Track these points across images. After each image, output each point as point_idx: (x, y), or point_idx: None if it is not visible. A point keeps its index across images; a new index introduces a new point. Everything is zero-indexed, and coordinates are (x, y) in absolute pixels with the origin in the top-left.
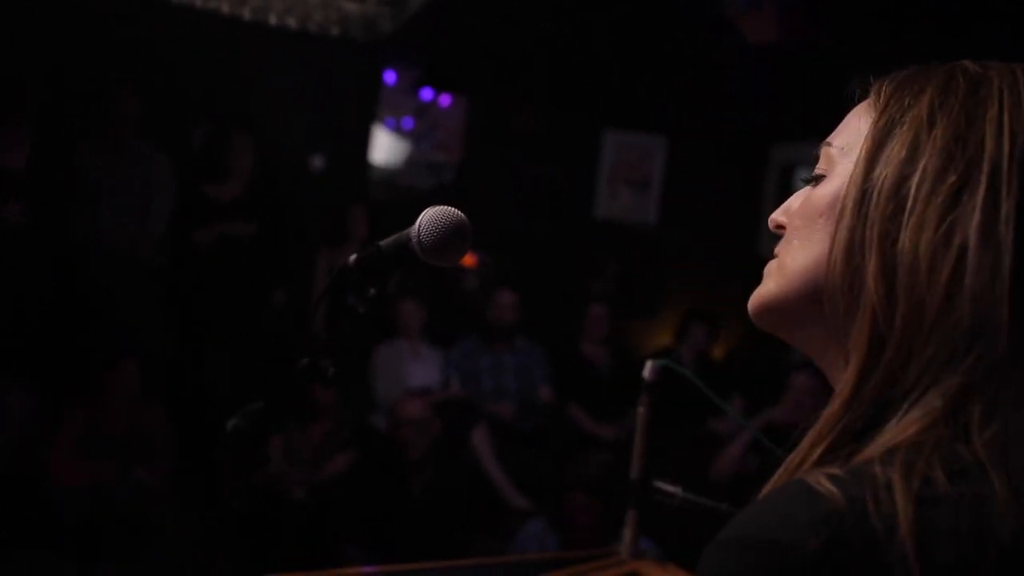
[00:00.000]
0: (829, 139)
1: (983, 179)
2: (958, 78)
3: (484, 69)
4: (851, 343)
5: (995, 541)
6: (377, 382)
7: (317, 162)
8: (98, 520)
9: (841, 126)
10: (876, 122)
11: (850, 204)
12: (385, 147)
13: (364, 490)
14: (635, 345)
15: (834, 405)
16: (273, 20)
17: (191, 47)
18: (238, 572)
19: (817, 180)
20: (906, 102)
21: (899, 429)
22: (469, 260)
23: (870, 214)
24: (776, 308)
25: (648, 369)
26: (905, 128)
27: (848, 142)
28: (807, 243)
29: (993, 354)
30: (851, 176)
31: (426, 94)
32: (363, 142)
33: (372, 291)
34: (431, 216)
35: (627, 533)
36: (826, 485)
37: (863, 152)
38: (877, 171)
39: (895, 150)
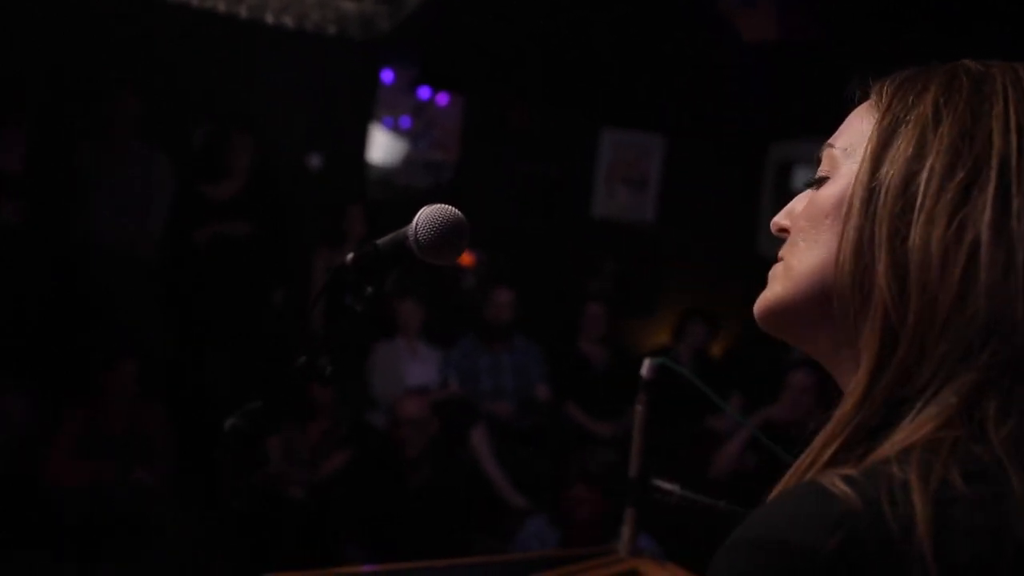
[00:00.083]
0: (831, 141)
1: (992, 175)
2: (961, 76)
3: (481, 68)
4: (862, 342)
5: (1013, 540)
6: (375, 381)
7: (314, 161)
8: (98, 520)
9: (842, 128)
10: (880, 122)
11: (857, 203)
12: (382, 146)
13: (362, 489)
14: (633, 344)
15: (846, 405)
16: (270, 19)
17: (188, 46)
18: (237, 572)
19: (820, 182)
20: (910, 101)
21: (914, 427)
22: (467, 259)
23: (878, 213)
24: (784, 311)
25: (646, 367)
26: (910, 126)
27: (851, 143)
28: (814, 244)
29: (1008, 350)
30: (857, 176)
31: (423, 93)
32: (360, 141)
33: (369, 290)
34: (428, 214)
35: (625, 531)
36: (840, 486)
37: (868, 151)
38: (883, 170)
39: (901, 148)
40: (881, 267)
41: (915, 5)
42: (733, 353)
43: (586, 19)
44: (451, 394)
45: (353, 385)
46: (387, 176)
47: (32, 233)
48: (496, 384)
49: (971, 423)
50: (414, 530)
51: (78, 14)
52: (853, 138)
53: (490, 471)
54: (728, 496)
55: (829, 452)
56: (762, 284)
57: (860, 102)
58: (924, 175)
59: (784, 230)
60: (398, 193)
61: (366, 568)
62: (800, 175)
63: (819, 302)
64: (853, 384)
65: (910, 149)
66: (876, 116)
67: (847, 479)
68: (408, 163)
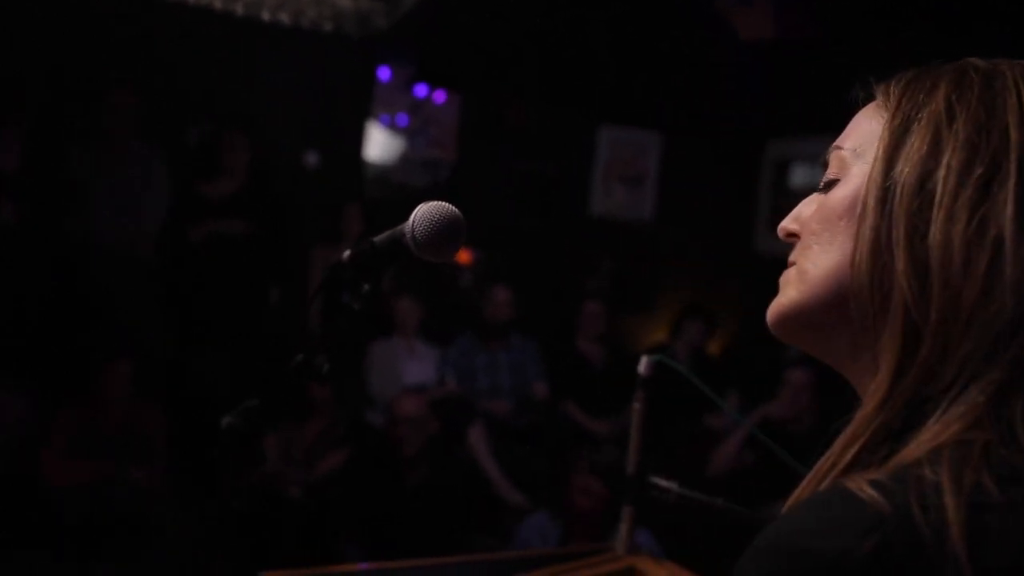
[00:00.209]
0: (838, 143)
1: (1012, 169)
2: (970, 73)
3: (478, 65)
4: (882, 343)
5: None
6: (373, 379)
7: (311, 159)
8: (95, 520)
9: (849, 129)
10: (891, 121)
11: (872, 203)
12: (379, 144)
13: (360, 488)
14: (630, 341)
15: (868, 406)
16: (266, 16)
17: (184, 44)
18: (235, 570)
19: (830, 185)
20: (920, 99)
21: (940, 428)
22: (464, 257)
23: (895, 211)
24: (800, 316)
25: (643, 365)
26: (923, 124)
27: (860, 144)
28: (828, 247)
29: None
30: (870, 176)
31: (420, 91)
32: (357, 139)
33: (366, 287)
34: (425, 211)
35: (623, 528)
36: (868, 491)
37: (880, 151)
38: (898, 168)
39: (915, 146)
40: (900, 265)
41: (912, 4)
42: (730, 351)
43: (583, 17)
44: (449, 392)
45: (350, 384)
46: (384, 174)
47: (29, 233)
48: (493, 382)
49: (999, 423)
50: (412, 529)
51: (74, 13)
52: (862, 139)
53: (488, 469)
54: (726, 494)
55: (850, 454)
56: (760, 282)
57: (864, 103)
58: (941, 172)
59: (792, 235)
60: (395, 191)
61: (362, 566)
62: (798, 173)
63: (836, 305)
64: (874, 385)
65: (924, 147)
66: (885, 116)
67: (874, 483)
68: (405, 161)
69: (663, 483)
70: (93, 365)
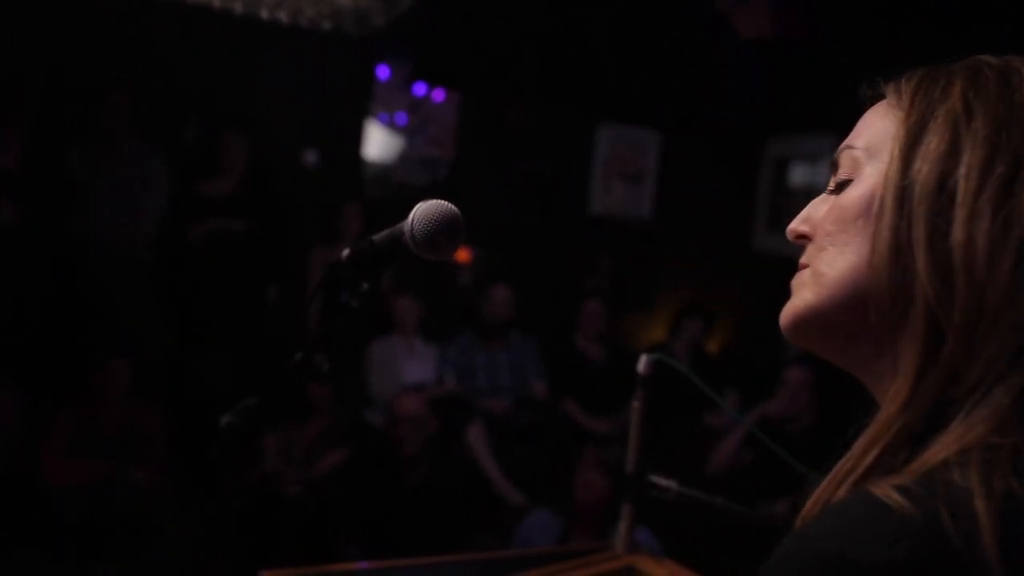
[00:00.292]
0: (849, 142)
1: None
2: (984, 70)
3: (477, 64)
4: (903, 345)
5: None
6: (372, 378)
7: (310, 158)
8: (95, 520)
9: (859, 129)
10: (906, 119)
11: (890, 203)
12: (378, 143)
13: (359, 487)
14: (629, 340)
15: (888, 409)
16: (264, 14)
17: (182, 43)
18: (234, 570)
19: (842, 185)
20: (935, 96)
21: (964, 429)
22: (463, 256)
23: (914, 211)
24: (816, 319)
25: (643, 363)
26: (940, 122)
27: (873, 143)
28: (844, 249)
29: None
30: (886, 175)
31: (419, 89)
32: (356, 138)
33: (365, 286)
34: (424, 210)
35: (622, 527)
36: (895, 497)
37: (897, 150)
38: (915, 167)
39: (933, 144)
40: (922, 266)
41: (910, 3)
42: (729, 349)
43: (582, 15)
44: (448, 391)
45: (350, 383)
46: (383, 173)
47: (28, 232)
48: (493, 381)
49: None
50: (411, 528)
51: (73, 13)
52: (874, 138)
53: (487, 468)
54: (725, 492)
55: (871, 457)
56: (759, 280)
57: (872, 102)
58: (962, 171)
59: (803, 236)
60: (394, 190)
61: (361, 565)
62: (797, 171)
63: (854, 307)
64: (895, 388)
65: (943, 145)
66: (898, 114)
67: (901, 488)
68: (404, 160)
69: (662, 482)
70: (92, 365)
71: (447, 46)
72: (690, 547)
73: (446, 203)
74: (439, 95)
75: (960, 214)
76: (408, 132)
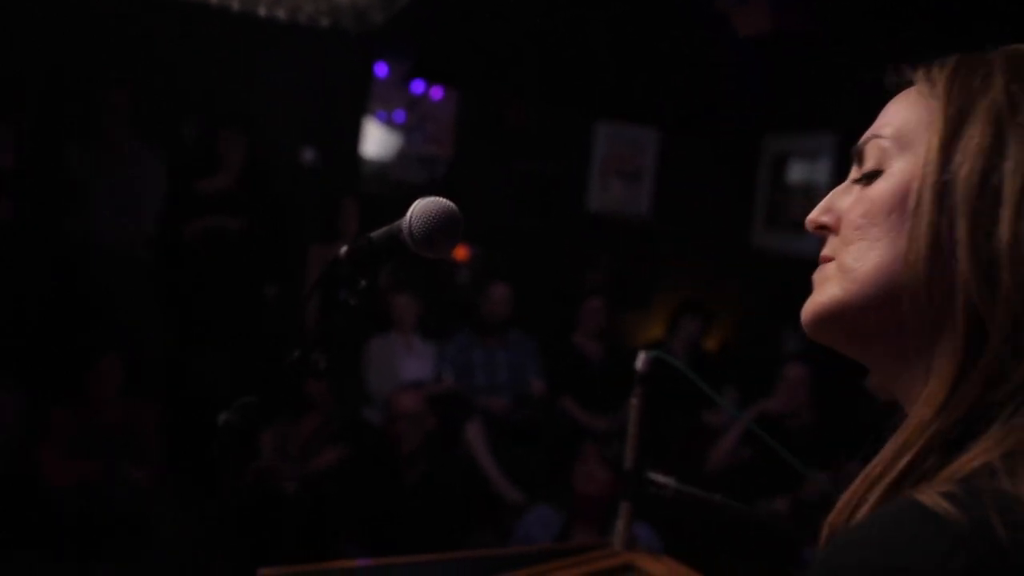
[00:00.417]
0: (876, 131)
1: None
2: None
3: (475, 61)
4: (941, 346)
5: None
6: (370, 376)
7: (308, 155)
8: (93, 519)
9: (887, 117)
10: (944, 110)
11: (928, 199)
12: (377, 140)
13: (357, 484)
14: (627, 338)
15: (923, 411)
16: (262, 11)
17: (180, 40)
18: (232, 568)
19: (871, 176)
20: (974, 87)
21: (1007, 431)
22: (462, 254)
23: (956, 208)
24: (843, 316)
25: (641, 360)
26: (981, 115)
27: (904, 133)
28: (875, 243)
29: None
30: (922, 168)
31: (417, 87)
32: (354, 135)
33: (363, 283)
34: (422, 207)
35: (620, 524)
36: (944, 505)
37: (935, 142)
38: (956, 162)
39: (974, 139)
40: (964, 265)
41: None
42: (728, 346)
43: (580, 13)
44: (446, 389)
45: (348, 381)
46: (381, 171)
47: (26, 231)
48: (491, 379)
49: None
50: (410, 526)
51: (71, 11)
52: (905, 127)
53: (486, 466)
54: (724, 489)
55: (903, 462)
56: (757, 277)
57: (897, 88)
58: (1008, 166)
59: (823, 227)
60: (392, 188)
61: (360, 563)
62: (795, 168)
63: (884, 305)
64: (929, 390)
65: (986, 139)
66: (933, 104)
67: (948, 496)
68: (402, 158)
69: (661, 479)
70: (87, 363)
71: (445, 44)
72: (690, 544)
73: (444, 200)
74: (437, 93)
75: (1006, 213)
76: (406, 130)
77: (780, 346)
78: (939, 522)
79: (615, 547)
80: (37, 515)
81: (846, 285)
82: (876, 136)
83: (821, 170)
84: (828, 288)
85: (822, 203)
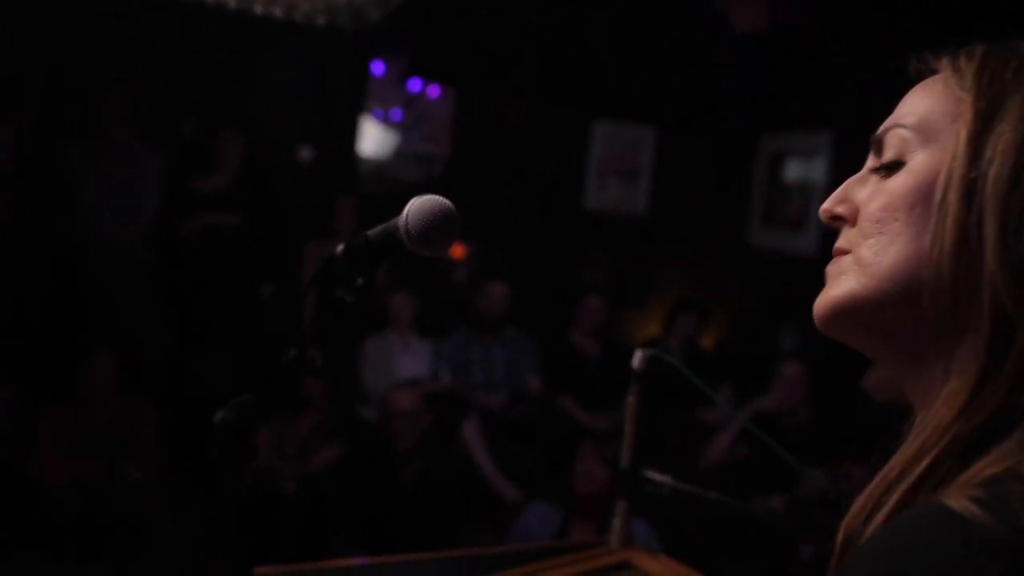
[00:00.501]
0: (897, 120)
1: None
2: None
3: (472, 60)
4: (964, 346)
5: None
6: (366, 374)
7: (305, 154)
8: (91, 519)
9: (908, 106)
10: (975, 102)
11: (955, 195)
12: (373, 139)
13: (354, 483)
14: (624, 336)
15: (943, 412)
16: (258, 9)
17: (177, 39)
18: (230, 567)
19: (892, 167)
20: (1006, 78)
21: None
22: (458, 252)
23: (985, 206)
24: (859, 310)
25: (637, 359)
26: (1014, 109)
27: (928, 123)
28: (896, 238)
29: None
30: (949, 163)
31: (414, 85)
32: (351, 133)
33: (360, 281)
34: (418, 205)
35: (617, 522)
36: (973, 510)
37: (964, 135)
38: (986, 157)
39: (1005, 134)
40: (992, 265)
41: None
42: (724, 344)
43: (577, 12)
44: (443, 387)
45: (345, 379)
46: (378, 169)
47: (23, 230)
48: (488, 377)
49: None
50: (407, 524)
51: (69, 10)
52: (929, 118)
53: (483, 464)
54: (720, 487)
55: (923, 466)
56: (753, 276)
57: (919, 76)
58: None
59: (839, 218)
60: (389, 186)
61: (356, 561)
62: (791, 167)
63: (904, 301)
64: (950, 390)
65: (1019, 135)
66: (961, 95)
67: (977, 501)
68: (399, 156)
69: (657, 477)
70: (78, 362)
71: (442, 42)
72: (688, 541)
73: (440, 198)
74: (434, 91)
75: None
76: (403, 128)
77: (776, 344)
78: (971, 529)
79: (612, 545)
80: (35, 515)
81: (864, 280)
82: (898, 125)
83: (818, 169)
84: (844, 282)
85: (836, 193)
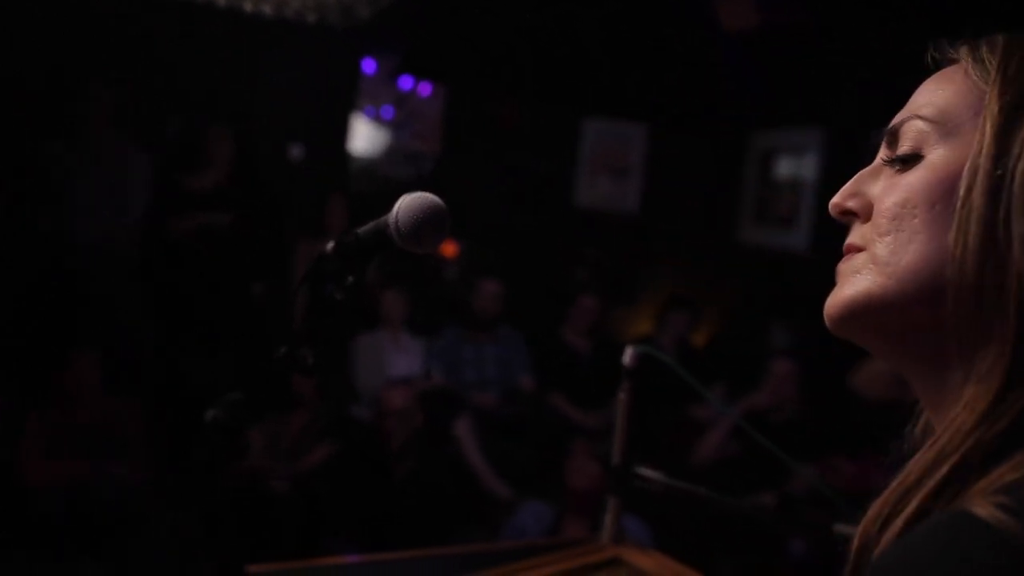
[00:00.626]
0: (913, 111)
1: None
2: None
3: (463, 58)
4: (988, 349)
5: None
6: (358, 372)
7: (296, 151)
8: (80, 518)
9: (925, 97)
10: (1000, 96)
11: (980, 193)
12: (364, 136)
13: (346, 481)
14: (615, 333)
15: (964, 417)
16: (249, 7)
17: (166, 36)
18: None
19: (908, 161)
20: None
21: None
22: (449, 250)
23: (1013, 205)
24: (876, 311)
25: (628, 355)
26: None
27: (947, 115)
28: (914, 236)
29: None
30: (973, 159)
31: (405, 83)
32: (342, 131)
33: (350, 279)
34: (408, 202)
35: (608, 518)
36: (1001, 517)
37: (990, 130)
38: (1014, 154)
39: None
40: (1021, 264)
41: None
42: (715, 342)
43: (568, 9)
44: (435, 385)
45: (336, 378)
46: (369, 167)
47: (7, 228)
48: (480, 375)
49: None
50: (399, 522)
51: (54, 7)
52: (949, 111)
53: (475, 462)
54: (712, 484)
55: (942, 471)
56: (744, 272)
57: (936, 66)
58: None
59: (849, 213)
60: (380, 184)
61: (349, 559)
62: (782, 164)
63: (924, 302)
64: (971, 393)
65: None
66: (982, 87)
67: (1004, 508)
68: (390, 154)
69: (648, 473)
70: (61, 362)
71: (433, 40)
72: (681, 538)
73: (430, 195)
74: (425, 89)
75: None
76: (394, 126)
77: (767, 341)
78: (999, 536)
79: (603, 541)
80: (25, 515)
81: (881, 280)
82: (915, 116)
83: (808, 165)
84: (859, 281)
85: (847, 187)
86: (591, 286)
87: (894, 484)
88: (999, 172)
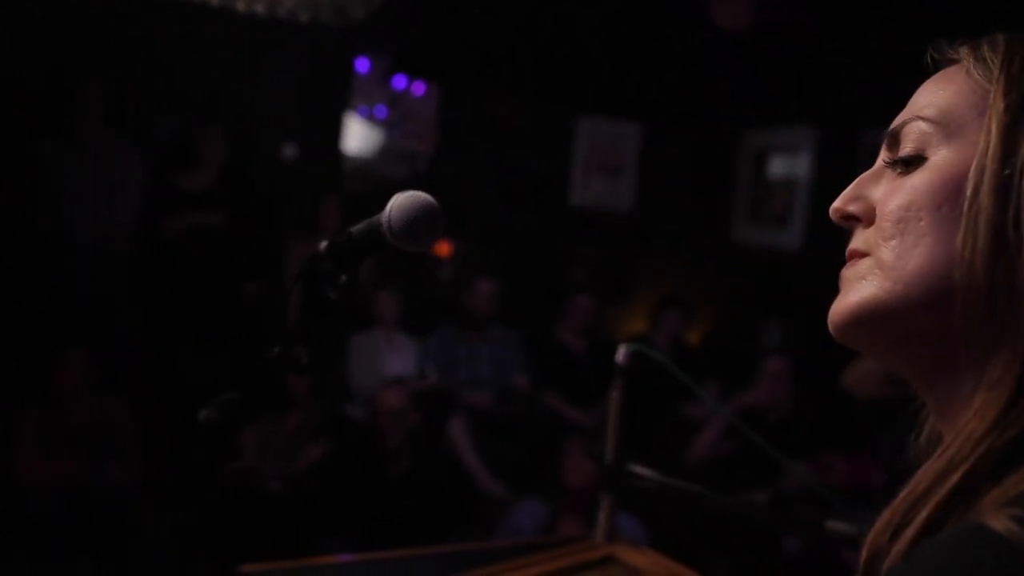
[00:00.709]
0: (915, 112)
1: None
2: None
3: (457, 57)
4: (999, 355)
5: None
6: (352, 372)
7: (289, 151)
8: (74, 519)
9: (927, 97)
10: (1005, 94)
11: (987, 194)
12: (358, 136)
13: (341, 481)
14: (609, 332)
15: (975, 425)
16: (241, 6)
17: (158, 35)
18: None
19: (911, 163)
20: None
21: None
22: (443, 249)
23: (1022, 203)
24: (883, 317)
25: (621, 354)
26: None
27: (951, 116)
28: (923, 239)
29: None
30: (979, 159)
31: (399, 82)
32: (335, 131)
33: (344, 278)
34: (401, 201)
35: (602, 517)
36: (1016, 530)
37: (996, 130)
38: (1020, 154)
39: None
40: None
41: None
42: (709, 340)
43: (562, 8)
44: (430, 385)
45: (330, 377)
46: (363, 166)
47: (1, 227)
48: (474, 374)
49: None
50: (394, 521)
51: (46, 6)
52: (952, 111)
53: (469, 461)
54: (706, 482)
55: (953, 480)
56: (738, 271)
57: (936, 66)
58: None
59: (851, 217)
60: (374, 183)
61: (342, 559)
62: (775, 163)
63: (932, 307)
64: (983, 400)
65: None
66: (985, 87)
67: (1020, 520)
68: (384, 153)
69: (642, 471)
70: (53, 362)
71: (427, 38)
72: (676, 536)
73: (423, 194)
74: (419, 88)
75: None
76: (388, 125)
77: (761, 339)
78: (1018, 551)
79: (597, 539)
80: (20, 515)
81: (887, 285)
82: (917, 118)
83: (801, 164)
84: (864, 287)
85: (848, 190)
86: (586, 285)
87: (903, 493)
88: (1007, 172)
